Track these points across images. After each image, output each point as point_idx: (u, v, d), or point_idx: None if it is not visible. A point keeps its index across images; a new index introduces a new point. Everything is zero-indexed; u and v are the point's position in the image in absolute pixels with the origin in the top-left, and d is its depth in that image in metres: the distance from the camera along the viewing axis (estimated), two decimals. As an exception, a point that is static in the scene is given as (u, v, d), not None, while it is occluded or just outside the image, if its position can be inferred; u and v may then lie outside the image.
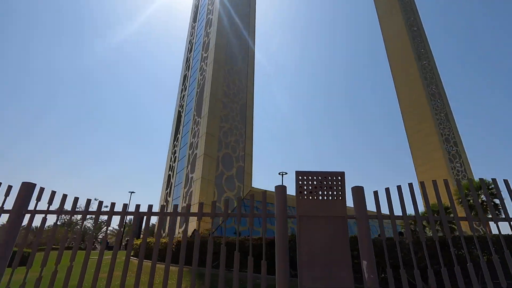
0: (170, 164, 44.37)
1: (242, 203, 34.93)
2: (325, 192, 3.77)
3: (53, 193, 3.85)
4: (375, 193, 3.91)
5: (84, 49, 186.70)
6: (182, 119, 45.31)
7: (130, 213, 3.92)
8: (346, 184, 3.79)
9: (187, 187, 34.82)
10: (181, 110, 47.53)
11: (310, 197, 3.75)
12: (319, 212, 3.67)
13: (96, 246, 47.15)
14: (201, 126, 36.86)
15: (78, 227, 52.35)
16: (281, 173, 22.08)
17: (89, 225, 54.59)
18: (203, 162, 33.04)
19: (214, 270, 8.62)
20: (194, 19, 56.18)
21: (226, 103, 40.54)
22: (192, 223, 27.98)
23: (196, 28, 53.71)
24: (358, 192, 3.88)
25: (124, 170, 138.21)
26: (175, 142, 45.11)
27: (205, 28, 47.99)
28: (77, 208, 3.97)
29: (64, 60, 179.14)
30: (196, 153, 35.61)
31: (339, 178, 3.81)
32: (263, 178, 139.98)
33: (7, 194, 3.87)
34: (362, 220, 3.68)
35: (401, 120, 70.31)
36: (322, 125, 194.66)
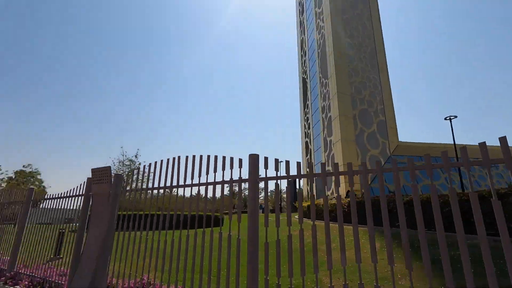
0: (305, 131, 45.43)
1: (390, 160, 31.73)
2: None
3: (277, 161, 4.12)
4: None
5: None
6: (308, 85, 44.84)
7: (282, 177, 3.79)
8: None
9: (327, 151, 34.74)
10: (305, 77, 47.00)
11: None
12: None
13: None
14: (330, 87, 35.27)
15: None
16: (448, 118, 17.82)
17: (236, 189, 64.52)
18: (340, 123, 31.78)
19: (409, 231, 7.86)
20: (299, -24, 52.92)
21: (352, 56, 36.85)
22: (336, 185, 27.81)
23: (303, -15, 50.57)
24: None
25: (269, 144, 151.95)
26: (306, 109, 45.47)
27: (313, -19, 44.36)
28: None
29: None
30: (330, 116, 34.65)
31: None
32: (412, 130, 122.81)
33: (240, 165, 4.43)
34: None
35: None
36: (478, 56, 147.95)
